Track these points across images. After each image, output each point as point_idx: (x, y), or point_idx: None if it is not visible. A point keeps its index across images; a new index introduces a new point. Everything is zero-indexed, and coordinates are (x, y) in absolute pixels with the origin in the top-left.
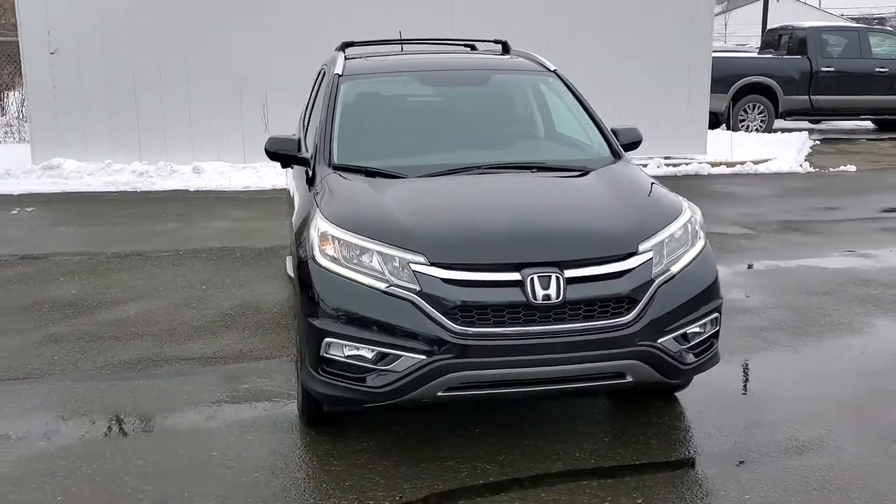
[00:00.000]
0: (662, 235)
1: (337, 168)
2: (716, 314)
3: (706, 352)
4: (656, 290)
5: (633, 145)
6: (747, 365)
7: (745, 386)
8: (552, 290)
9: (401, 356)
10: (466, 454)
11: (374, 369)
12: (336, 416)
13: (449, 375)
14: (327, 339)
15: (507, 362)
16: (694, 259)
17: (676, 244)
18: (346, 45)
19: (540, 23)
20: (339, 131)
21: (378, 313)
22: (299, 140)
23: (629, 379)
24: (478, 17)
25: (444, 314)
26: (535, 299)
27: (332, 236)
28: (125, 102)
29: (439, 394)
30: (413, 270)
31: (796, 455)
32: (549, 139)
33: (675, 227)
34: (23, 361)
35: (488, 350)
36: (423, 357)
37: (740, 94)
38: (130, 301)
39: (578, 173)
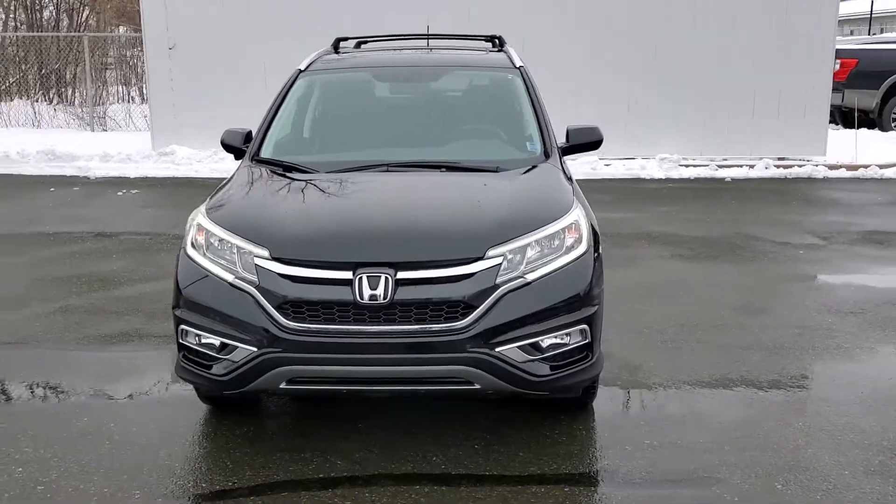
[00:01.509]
0: (523, 241)
1: (258, 161)
2: (583, 325)
3: (572, 364)
4: (501, 297)
5: (588, 146)
6: (679, 383)
7: (667, 405)
8: (379, 291)
9: (237, 347)
10: (330, 448)
11: (218, 358)
12: (237, 399)
13: (279, 369)
14: (182, 327)
15: (335, 360)
16: (563, 266)
17: (544, 250)
18: (338, 41)
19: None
20: (276, 125)
21: (222, 304)
22: (249, 132)
23: (476, 386)
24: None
25: (277, 308)
26: (362, 299)
27: (204, 228)
28: (233, 94)
29: (282, 386)
30: (255, 264)
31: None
32: (484, 137)
33: (543, 233)
34: (22, 329)
35: (316, 346)
36: (255, 349)
37: (894, 91)
38: (153, 280)
39: (485, 174)
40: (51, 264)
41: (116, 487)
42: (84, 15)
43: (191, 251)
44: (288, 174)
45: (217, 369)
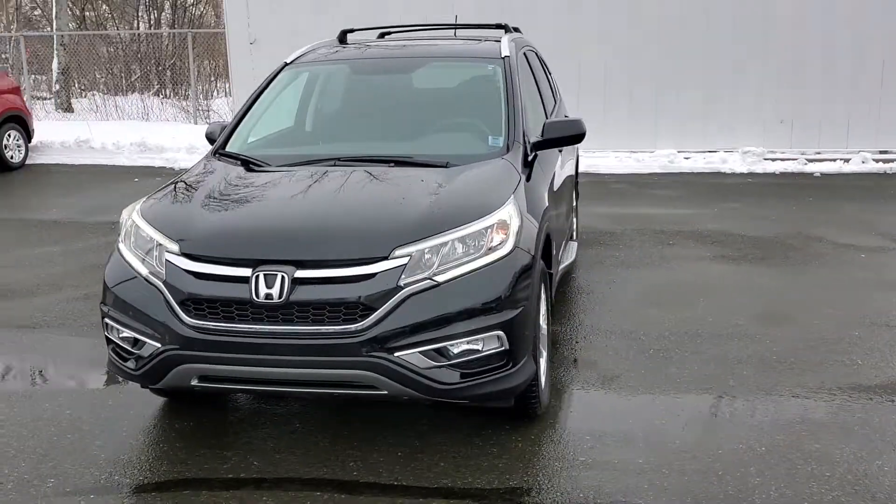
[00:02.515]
0: (435, 240)
1: (221, 154)
2: (498, 332)
3: (487, 373)
4: (404, 300)
5: (567, 139)
6: (650, 397)
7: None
8: (275, 290)
9: (145, 343)
10: (257, 448)
11: (132, 352)
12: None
13: (182, 366)
14: (106, 320)
15: (233, 359)
16: (480, 268)
17: (462, 250)
18: (344, 33)
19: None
20: (250, 118)
21: (135, 299)
22: (225, 126)
23: (383, 391)
24: None
25: (180, 304)
26: (258, 297)
27: (135, 223)
28: None
29: (194, 384)
30: (166, 259)
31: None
32: (448, 131)
33: (460, 233)
34: (42, 313)
35: (214, 345)
36: (159, 346)
37: None
38: None
39: (433, 169)
40: (97, 252)
41: (36, 474)
42: (194, 11)
43: (121, 245)
44: (236, 169)
45: (130, 364)
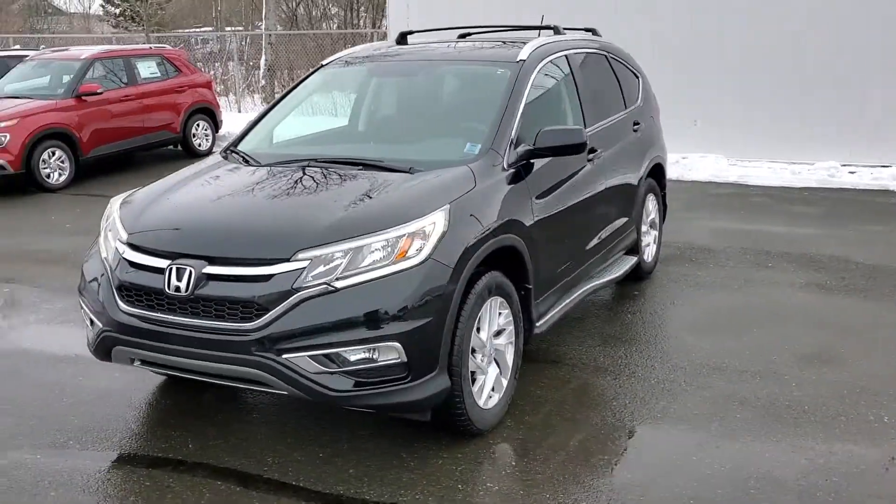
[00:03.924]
0: (341, 245)
1: (231, 151)
2: (394, 342)
3: (383, 384)
4: (298, 303)
5: (562, 149)
6: (610, 434)
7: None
8: (182, 283)
9: (94, 323)
10: (201, 433)
11: (90, 328)
12: None
13: (116, 348)
14: (79, 299)
15: (151, 346)
16: (385, 276)
17: (371, 258)
18: (403, 35)
19: None
20: (273, 116)
21: (92, 281)
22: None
23: (283, 391)
24: None
25: (117, 290)
26: (168, 289)
27: (112, 211)
28: None
29: (136, 364)
30: (115, 247)
31: None
32: (433, 135)
33: (369, 239)
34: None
35: (136, 331)
36: (101, 326)
37: None
38: None
39: (395, 174)
40: None
41: (9, 434)
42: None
43: (101, 234)
44: (222, 167)
45: (89, 338)
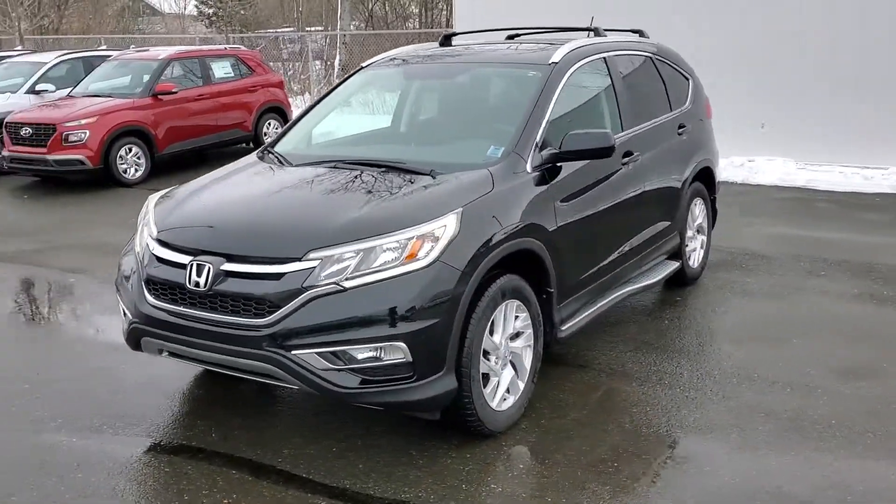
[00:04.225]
0: (351, 246)
1: (267, 152)
2: (400, 342)
3: (388, 382)
4: (308, 301)
5: (588, 153)
6: (606, 441)
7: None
8: (202, 279)
9: (126, 314)
10: (224, 422)
11: (124, 319)
12: None
13: (144, 339)
14: (116, 292)
15: (174, 338)
16: (392, 277)
17: (382, 259)
18: (446, 37)
19: None
20: (309, 117)
21: (126, 273)
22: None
23: (293, 386)
24: None
25: (145, 283)
26: (189, 284)
27: (148, 208)
28: None
29: (164, 355)
30: (146, 242)
31: None
32: (458, 138)
33: (379, 241)
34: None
35: (159, 323)
36: (131, 317)
37: None
38: None
39: (417, 176)
40: None
41: (51, 416)
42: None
43: (139, 225)
44: (257, 167)
45: (123, 330)
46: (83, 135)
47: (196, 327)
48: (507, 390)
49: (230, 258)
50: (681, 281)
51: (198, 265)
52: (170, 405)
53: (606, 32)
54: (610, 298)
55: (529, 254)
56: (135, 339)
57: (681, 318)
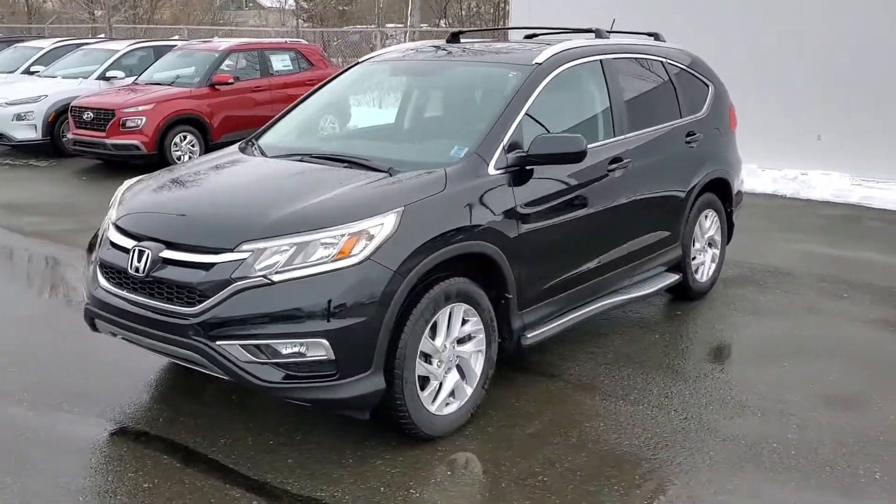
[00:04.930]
0: (284, 240)
1: (249, 143)
2: (321, 339)
3: (311, 379)
4: (234, 293)
5: (556, 157)
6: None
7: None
8: (140, 264)
9: (84, 297)
10: (178, 408)
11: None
12: None
13: (96, 321)
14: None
15: (117, 322)
16: (320, 273)
17: (314, 255)
18: (454, 35)
19: None
20: (300, 108)
21: (89, 257)
22: None
23: (220, 376)
24: None
25: (99, 267)
26: (130, 269)
27: (116, 196)
28: None
29: (118, 336)
30: (107, 227)
31: None
32: (426, 137)
33: (312, 236)
34: None
35: (107, 307)
36: (85, 299)
37: None
38: None
39: (373, 173)
40: None
41: (19, 389)
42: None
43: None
44: (236, 156)
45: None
46: (139, 121)
47: (135, 312)
48: (452, 395)
49: (169, 245)
50: (685, 295)
51: (139, 251)
52: (132, 388)
53: (610, 34)
54: (591, 308)
55: (482, 257)
56: (90, 320)
57: (674, 333)
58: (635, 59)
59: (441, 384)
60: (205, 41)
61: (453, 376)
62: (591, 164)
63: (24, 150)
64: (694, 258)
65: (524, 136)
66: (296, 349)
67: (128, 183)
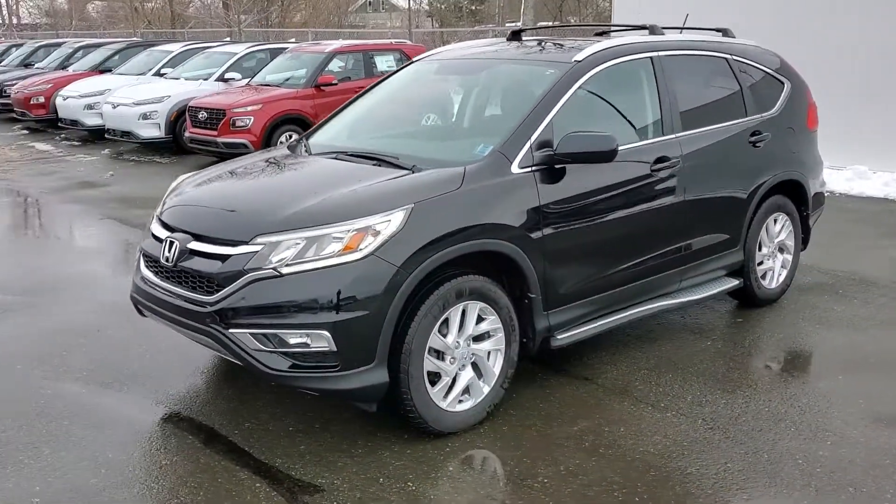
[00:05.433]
0: (294, 235)
1: (299, 140)
2: (324, 331)
3: (315, 369)
4: (247, 283)
5: (584, 156)
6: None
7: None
8: (170, 254)
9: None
10: (208, 392)
11: None
12: None
13: (139, 307)
14: None
15: (153, 308)
16: (327, 267)
17: (323, 248)
18: (515, 33)
19: None
20: (351, 110)
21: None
22: None
23: (237, 362)
24: None
25: (143, 256)
26: (162, 258)
27: (170, 188)
28: None
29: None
30: (153, 218)
31: None
32: (456, 136)
33: (321, 231)
34: None
35: (144, 293)
36: (133, 286)
37: None
38: None
39: (390, 170)
40: None
41: (79, 368)
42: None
43: None
44: (282, 153)
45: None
46: (248, 120)
47: (166, 299)
48: (468, 392)
49: (196, 237)
50: (751, 301)
51: (170, 241)
52: (182, 370)
53: (664, 31)
54: (633, 311)
55: (500, 255)
56: (135, 305)
57: (728, 340)
58: (693, 55)
59: (454, 381)
60: (314, 43)
61: (467, 373)
62: (632, 162)
63: (150, 148)
64: (760, 263)
65: (558, 134)
66: (301, 339)
67: (181, 177)
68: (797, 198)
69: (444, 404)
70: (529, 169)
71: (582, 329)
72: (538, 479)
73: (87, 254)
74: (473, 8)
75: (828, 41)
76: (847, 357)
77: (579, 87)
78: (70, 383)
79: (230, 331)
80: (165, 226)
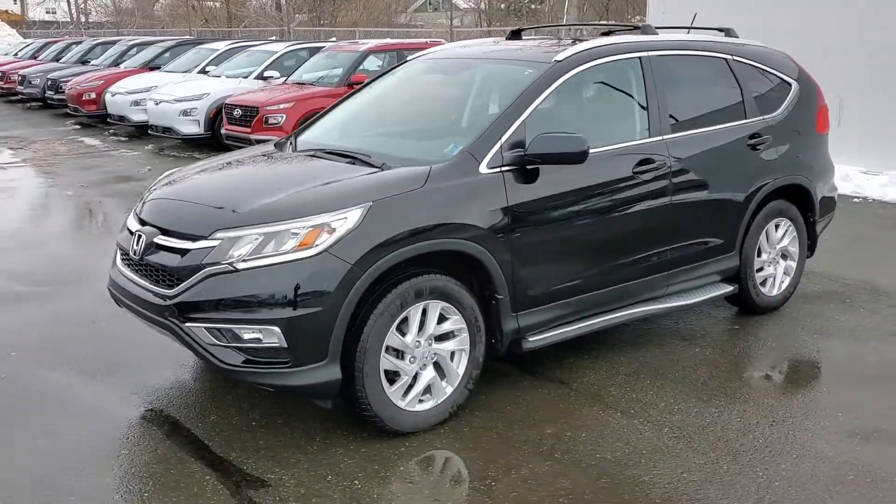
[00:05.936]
0: (251, 231)
1: (288, 138)
2: (274, 327)
3: (267, 365)
4: (204, 278)
5: (555, 157)
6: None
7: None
8: (138, 248)
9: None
10: (189, 386)
11: None
12: None
13: (115, 298)
14: None
15: (122, 300)
16: (280, 263)
17: (281, 244)
18: (515, 32)
19: None
20: (343, 108)
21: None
22: None
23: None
24: None
25: (118, 249)
26: (130, 251)
27: (153, 185)
28: None
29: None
30: (132, 214)
31: None
32: (438, 134)
33: (277, 227)
34: None
35: (118, 286)
36: (109, 279)
37: None
38: None
39: (360, 168)
40: None
41: (67, 360)
42: None
43: None
44: (265, 151)
45: None
46: (280, 118)
47: (133, 291)
48: (429, 392)
49: (163, 231)
50: (750, 309)
51: (138, 235)
52: (165, 364)
53: (658, 31)
54: (614, 316)
55: (466, 256)
56: (112, 297)
57: (717, 348)
58: (688, 56)
59: (414, 380)
60: (351, 42)
61: (428, 373)
62: (611, 165)
63: (190, 144)
64: (760, 269)
65: (533, 135)
66: (254, 335)
67: (166, 173)
68: (802, 203)
69: (402, 403)
70: (498, 169)
71: (556, 332)
72: (486, 482)
73: (112, 246)
74: (533, 7)
75: (870, 43)
76: (840, 369)
77: (558, 88)
78: (59, 373)
79: (186, 324)
80: (139, 219)
